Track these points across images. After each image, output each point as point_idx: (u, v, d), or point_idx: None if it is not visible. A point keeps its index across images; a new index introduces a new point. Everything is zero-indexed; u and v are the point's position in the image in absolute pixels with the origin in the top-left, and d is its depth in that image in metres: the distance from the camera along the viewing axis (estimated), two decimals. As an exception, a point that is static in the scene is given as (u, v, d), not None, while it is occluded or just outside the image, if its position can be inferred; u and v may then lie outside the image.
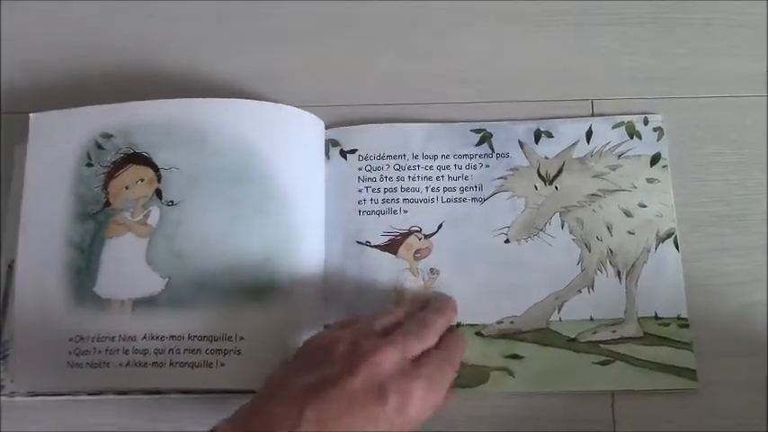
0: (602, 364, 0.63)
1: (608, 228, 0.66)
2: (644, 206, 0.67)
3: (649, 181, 0.67)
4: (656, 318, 0.64)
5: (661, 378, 0.62)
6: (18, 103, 0.73)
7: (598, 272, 0.65)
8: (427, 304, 0.62)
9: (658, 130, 0.69)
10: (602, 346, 0.63)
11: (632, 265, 0.65)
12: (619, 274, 0.65)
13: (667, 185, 0.67)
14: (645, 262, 0.65)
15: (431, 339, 0.58)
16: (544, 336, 0.64)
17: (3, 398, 0.63)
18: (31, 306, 0.63)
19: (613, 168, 0.68)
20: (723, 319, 0.64)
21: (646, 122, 0.69)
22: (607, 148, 0.68)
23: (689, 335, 0.63)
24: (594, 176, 0.68)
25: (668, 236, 0.66)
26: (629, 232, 0.66)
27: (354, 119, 0.71)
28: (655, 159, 0.68)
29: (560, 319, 0.64)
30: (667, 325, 0.63)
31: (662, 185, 0.67)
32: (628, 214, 0.66)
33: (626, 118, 0.69)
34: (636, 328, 0.63)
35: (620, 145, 0.68)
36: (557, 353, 0.63)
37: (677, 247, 0.65)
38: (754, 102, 0.71)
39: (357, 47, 0.74)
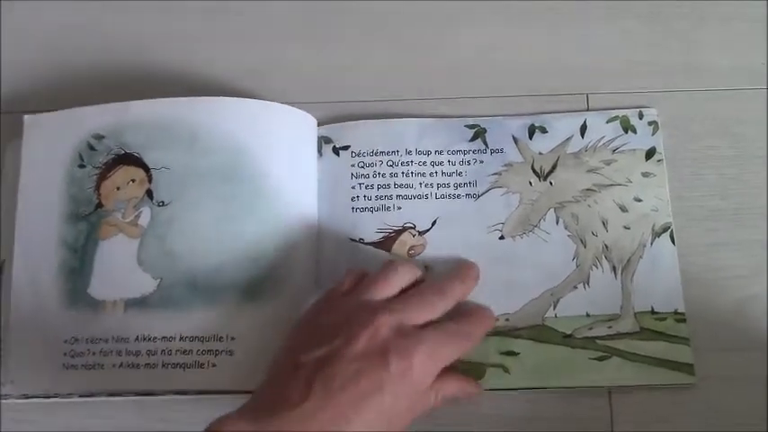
0: (599, 359, 0.62)
1: (603, 223, 0.66)
2: (639, 200, 0.66)
3: (644, 175, 0.67)
4: (653, 313, 0.63)
5: (658, 373, 0.61)
6: (13, 102, 0.73)
7: (593, 267, 0.65)
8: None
9: (653, 124, 0.68)
10: (598, 341, 0.62)
11: (628, 261, 0.65)
12: (614, 269, 0.65)
13: (663, 180, 0.67)
14: (641, 257, 0.65)
15: (441, 307, 0.58)
16: (540, 332, 0.63)
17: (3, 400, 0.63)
18: (26, 308, 0.63)
19: (608, 163, 0.67)
20: (720, 314, 0.64)
21: (641, 116, 0.69)
22: (602, 142, 0.68)
23: (686, 329, 0.62)
24: (589, 171, 0.67)
25: (664, 230, 0.65)
26: (625, 227, 0.65)
27: (348, 115, 0.70)
28: (650, 153, 0.67)
29: (556, 316, 0.63)
30: (664, 320, 0.63)
31: (657, 180, 0.67)
32: (623, 209, 0.66)
33: (620, 112, 0.69)
34: (632, 323, 0.63)
35: (614, 139, 0.68)
36: (552, 349, 0.63)
37: (673, 242, 0.65)
38: (751, 95, 0.70)
39: (350, 43, 0.74)
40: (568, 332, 0.63)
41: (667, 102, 0.70)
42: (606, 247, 0.65)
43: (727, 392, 0.62)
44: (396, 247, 0.66)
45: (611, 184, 0.66)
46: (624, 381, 0.61)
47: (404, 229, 0.66)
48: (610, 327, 0.63)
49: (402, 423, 0.53)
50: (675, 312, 0.63)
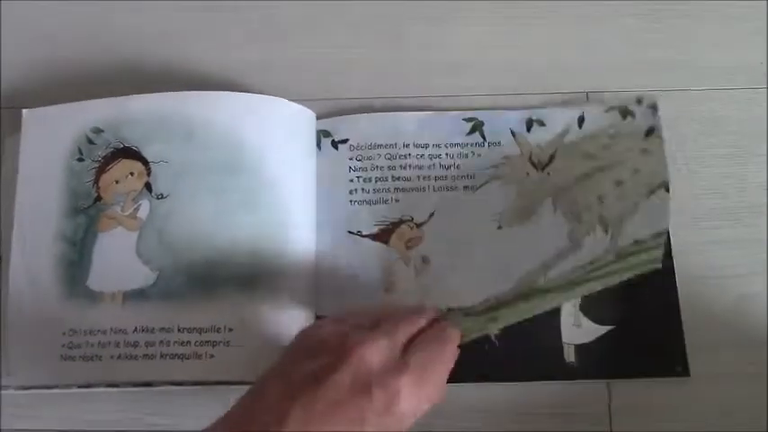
0: (577, 284, 0.61)
1: (599, 198, 0.65)
2: (637, 171, 0.65)
3: (643, 152, 0.66)
4: (635, 242, 0.62)
5: (627, 272, 0.60)
6: (12, 98, 0.73)
7: (587, 236, 0.64)
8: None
9: (653, 106, 0.68)
10: (577, 278, 0.62)
11: (621, 220, 0.64)
12: (606, 230, 0.64)
13: (662, 155, 0.65)
14: (635, 213, 0.64)
15: (421, 322, 0.55)
16: (527, 294, 0.62)
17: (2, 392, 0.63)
18: (24, 300, 0.64)
19: (606, 147, 0.67)
20: (719, 312, 0.64)
21: (639, 102, 0.68)
22: (600, 130, 0.68)
23: (663, 242, 0.62)
24: (587, 158, 0.67)
25: (660, 186, 0.64)
26: (620, 197, 0.65)
27: (348, 111, 0.70)
28: (649, 132, 0.67)
29: (544, 281, 0.63)
30: (645, 242, 0.62)
31: (656, 156, 0.66)
32: (620, 183, 0.65)
33: (619, 101, 0.68)
34: (614, 254, 0.62)
35: (612, 126, 0.68)
36: (535, 298, 0.61)
37: (667, 190, 0.64)
38: (750, 94, 0.71)
39: (351, 40, 0.74)
40: (552, 285, 0.62)
41: (667, 101, 0.69)
42: (602, 216, 0.64)
43: (726, 390, 0.62)
44: (393, 239, 0.66)
45: (609, 165, 0.66)
46: (594, 288, 0.60)
47: (401, 222, 0.66)
48: (591, 264, 0.62)
49: None
50: (657, 234, 0.62)
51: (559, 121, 0.69)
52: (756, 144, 0.69)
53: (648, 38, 0.73)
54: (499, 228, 0.65)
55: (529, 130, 0.68)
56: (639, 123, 0.67)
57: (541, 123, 0.68)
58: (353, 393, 0.49)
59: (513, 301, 0.61)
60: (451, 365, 0.54)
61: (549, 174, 0.67)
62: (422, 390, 0.51)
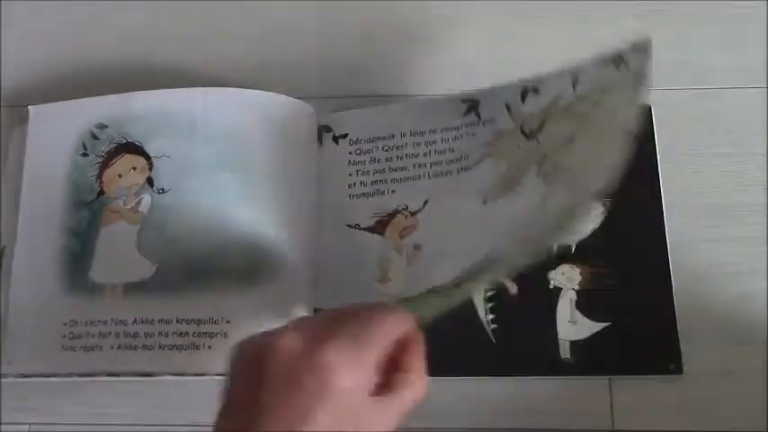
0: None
1: (579, 159, 0.58)
2: (616, 121, 0.56)
3: (630, 102, 0.57)
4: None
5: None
6: (12, 97, 0.74)
7: (556, 202, 0.57)
8: None
9: (645, 49, 0.57)
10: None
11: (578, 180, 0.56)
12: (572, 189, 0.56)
13: (642, 103, 0.60)
14: (592, 170, 0.55)
15: (351, 308, 0.50)
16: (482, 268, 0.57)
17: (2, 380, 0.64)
18: (27, 291, 0.65)
19: (597, 104, 0.60)
20: (718, 310, 0.64)
21: (635, 49, 0.58)
22: (593, 88, 0.62)
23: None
24: (577, 116, 0.61)
25: (626, 137, 0.52)
26: (597, 152, 0.56)
27: (347, 108, 0.71)
28: (639, 78, 0.56)
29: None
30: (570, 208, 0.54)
31: (637, 103, 0.56)
32: (601, 138, 0.57)
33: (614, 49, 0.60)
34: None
35: (606, 80, 0.61)
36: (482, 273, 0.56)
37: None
38: (749, 93, 0.71)
39: (350, 39, 0.75)
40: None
41: (667, 100, 0.69)
42: (571, 178, 0.57)
43: (727, 389, 0.62)
44: (389, 230, 0.66)
45: (596, 122, 0.59)
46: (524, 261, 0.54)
47: (397, 212, 0.66)
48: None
49: None
50: (577, 203, 0.54)
51: (554, 86, 0.64)
52: (756, 143, 0.69)
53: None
54: (484, 203, 0.63)
55: (524, 100, 0.65)
56: (632, 71, 0.58)
57: (536, 91, 0.65)
58: (290, 389, 0.45)
59: (474, 276, 0.57)
60: (397, 336, 0.49)
61: (538, 141, 0.63)
62: (361, 358, 0.46)
